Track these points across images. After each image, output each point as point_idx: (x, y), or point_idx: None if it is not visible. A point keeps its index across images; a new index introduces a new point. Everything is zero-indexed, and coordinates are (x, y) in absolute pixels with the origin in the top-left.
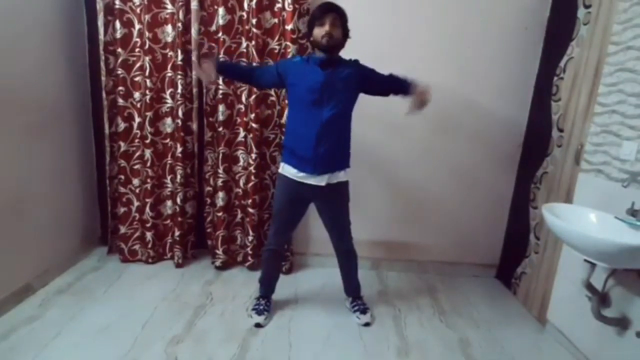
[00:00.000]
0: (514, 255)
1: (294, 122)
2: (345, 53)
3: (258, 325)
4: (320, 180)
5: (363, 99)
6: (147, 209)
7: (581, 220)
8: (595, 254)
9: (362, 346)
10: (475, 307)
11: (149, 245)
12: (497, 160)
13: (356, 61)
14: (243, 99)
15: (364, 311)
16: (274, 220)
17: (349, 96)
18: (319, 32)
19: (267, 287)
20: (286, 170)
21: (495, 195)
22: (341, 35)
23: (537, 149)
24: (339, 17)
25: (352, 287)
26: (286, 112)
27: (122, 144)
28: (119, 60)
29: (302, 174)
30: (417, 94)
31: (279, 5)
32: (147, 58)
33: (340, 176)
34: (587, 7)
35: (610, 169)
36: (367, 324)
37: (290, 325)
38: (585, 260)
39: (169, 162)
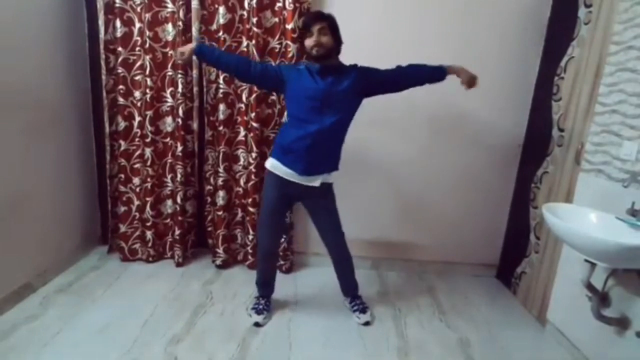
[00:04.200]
0: (514, 255)
1: (291, 123)
2: (345, 54)
3: (257, 325)
4: (312, 181)
5: (364, 100)
6: (148, 208)
7: (581, 220)
8: (595, 253)
9: (362, 346)
10: (475, 307)
11: (149, 244)
12: (497, 159)
13: (355, 65)
14: (243, 98)
15: (363, 310)
16: (265, 219)
17: (351, 104)
18: (308, 42)
19: (265, 287)
20: (276, 167)
21: (495, 195)
22: (332, 42)
23: (537, 148)
24: (328, 25)
25: (349, 287)
26: (286, 112)
27: (122, 142)
28: (120, 59)
29: (291, 173)
30: (466, 80)
31: (279, 4)
32: (147, 57)
33: (328, 178)
34: (587, 6)
35: (610, 169)
36: (367, 323)
37: (290, 324)
38: (586, 260)
39: (169, 161)
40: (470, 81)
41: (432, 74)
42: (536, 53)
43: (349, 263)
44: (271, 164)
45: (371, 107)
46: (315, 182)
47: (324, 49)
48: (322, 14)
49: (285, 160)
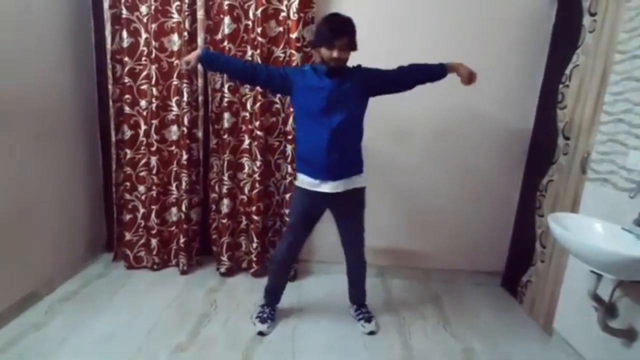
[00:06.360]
0: (519, 263)
1: (304, 131)
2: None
3: (261, 334)
4: (336, 187)
5: (369, 106)
6: (153, 216)
7: (587, 230)
8: (601, 265)
9: (366, 355)
10: (480, 316)
11: (154, 252)
12: (502, 167)
13: (359, 66)
14: (248, 106)
15: (368, 319)
16: (290, 232)
17: (357, 103)
18: (327, 54)
19: (273, 296)
20: (302, 180)
21: (500, 203)
22: (349, 55)
23: (542, 156)
24: (349, 41)
25: (358, 295)
26: (290, 120)
27: (128, 151)
28: (126, 69)
29: (317, 182)
30: (466, 76)
31: (283, 14)
32: (153, 67)
33: (357, 182)
34: (592, 15)
35: (616, 179)
36: (372, 333)
37: (294, 333)
38: (592, 272)
39: (175, 169)
40: (469, 77)
41: (433, 72)
42: (541, 61)
43: (362, 272)
44: (298, 178)
45: (376, 115)
46: (340, 187)
47: (341, 63)
48: (347, 27)
49: (308, 170)
